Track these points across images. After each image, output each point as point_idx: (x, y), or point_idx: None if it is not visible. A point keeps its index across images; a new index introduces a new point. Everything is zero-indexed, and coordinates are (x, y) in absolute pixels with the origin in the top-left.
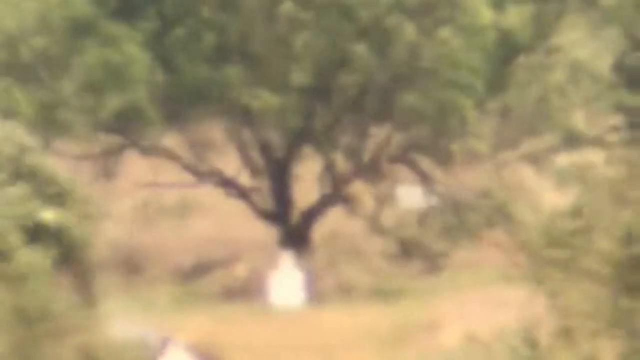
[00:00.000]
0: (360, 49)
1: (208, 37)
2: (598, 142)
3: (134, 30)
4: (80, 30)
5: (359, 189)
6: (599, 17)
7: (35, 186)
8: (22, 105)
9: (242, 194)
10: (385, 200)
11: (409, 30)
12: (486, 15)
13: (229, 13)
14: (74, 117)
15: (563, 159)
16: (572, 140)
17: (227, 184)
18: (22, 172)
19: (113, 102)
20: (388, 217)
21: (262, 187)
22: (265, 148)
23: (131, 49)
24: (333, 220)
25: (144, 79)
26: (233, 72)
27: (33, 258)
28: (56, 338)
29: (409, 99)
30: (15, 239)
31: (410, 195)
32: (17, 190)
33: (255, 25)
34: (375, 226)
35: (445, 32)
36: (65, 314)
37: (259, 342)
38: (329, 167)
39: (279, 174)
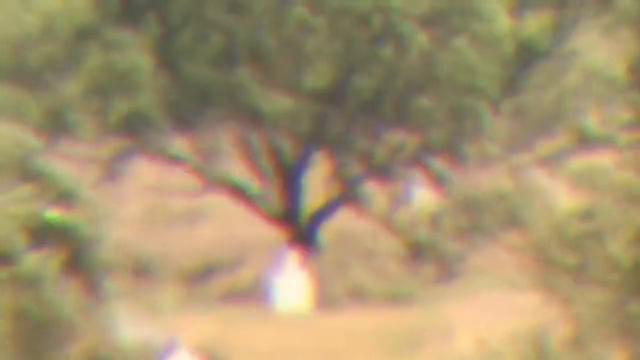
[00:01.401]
0: (378, 56)
1: (215, 40)
2: (611, 144)
3: (137, 35)
4: (83, 36)
5: (371, 190)
6: (614, 20)
7: (41, 188)
8: (29, 110)
9: (250, 198)
10: (398, 201)
11: (422, 39)
12: (504, 23)
13: (236, 15)
14: (80, 120)
15: (577, 162)
16: (586, 142)
17: (234, 189)
18: (27, 174)
19: (119, 106)
20: (401, 219)
21: (270, 192)
22: (274, 152)
23: (134, 54)
24: (342, 222)
25: (149, 84)
26: (243, 74)
27: (39, 260)
28: (63, 341)
29: (423, 103)
30: (21, 241)
31: (423, 197)
32: (23, 191)
33: (265, 28)
34: (388, 227)
35: (459, 43)
36: (72, 317)
37: (266, 346)
38: (340, 169)
39: (289, 179)
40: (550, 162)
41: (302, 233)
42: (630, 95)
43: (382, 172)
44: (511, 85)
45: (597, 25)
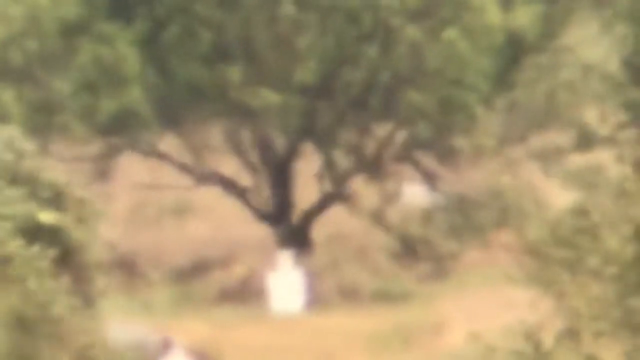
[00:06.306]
0: (367, 50)
1: (205, 35)
2: (608, 140)
3: (125, 29)
4: (72, 31)
5: (362, 187)
6: (610, 15)
7: (33, 189)
8: (14, 108)
9: (241, 194)
10: (389, 198)
11: (412, 32)
12: (494, 14)
13: (226, 11)
14: (69, 118)
15: (573, 159)
16: (582, 138)
17: (225, 184)
18: (20, 177)
19: (108, 103)
20: (392, 216)
21: (261, 188)
22: (264, 148)
23: (123, 47)
24: (334, 220)
25: (137, 79)
26: (232, 70)
27: (31, 260)
28: (55, 341)
29: (413, 97)
30: (13, 241)
31: (414, 194)
32: (15, 192)
33: (255, 24)
34: (379, 223)
35: (450, 34)
36: (64, 317)
37: (258, 345)
38: (330, 165)
39: (279, 174)
40: (545, 158)
41: (295, 231)
42: (625, 92)
43: (372, 167)
44: (503, 78)
45: (592, 19)
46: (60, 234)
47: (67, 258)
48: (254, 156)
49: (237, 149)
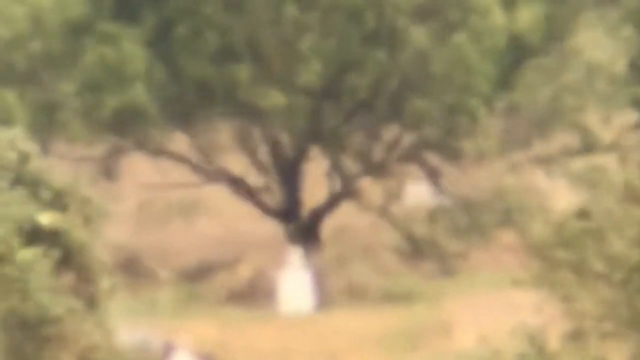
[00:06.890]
0: (374, 55)
1: (211, 36)
2: (613, 143)
3: (132, 28)
4: (76, 31)
5: (368, 186)
6: (617, 17)
7: (36, 190)
8: (17, 109)
9: (250, 193)
10: (394, 197)
11: (417, 34)
12: (499, 16)
13: (233, 13)
14: (74, 118)
15: (577, 162)
16: (587, 141)
17: (235, 183)
18: (24, 178)
19: (113, 101)
20: (398, 215)
21: (271, 186)
22: (274, 147)
23: (128, 46)
24: (342, 219)
25: (143, 77)
26: (240, 69)
27: (32, 261)
28: (57, 343)
29: (419, 103)
30: (14, 242)
31: (419, 194)
32: (17, 194)
33: (261, 26)
34: (386, 222)
35: (458, 37)
36: (66, 319)
37: (266, 346)
38: (338, 166)
39: (288, 173)
40: (549, 161)
41: (303, 229)
42: (632, 93)
43: (379, 168)
44: (505, 81)
45: (597, 20)
46: (62, 235)
47: (69, 259)
48: (264, 155)
49: (247, 148)
